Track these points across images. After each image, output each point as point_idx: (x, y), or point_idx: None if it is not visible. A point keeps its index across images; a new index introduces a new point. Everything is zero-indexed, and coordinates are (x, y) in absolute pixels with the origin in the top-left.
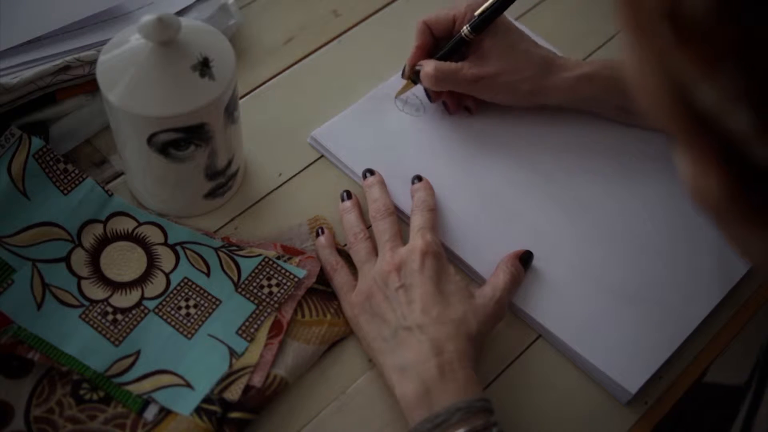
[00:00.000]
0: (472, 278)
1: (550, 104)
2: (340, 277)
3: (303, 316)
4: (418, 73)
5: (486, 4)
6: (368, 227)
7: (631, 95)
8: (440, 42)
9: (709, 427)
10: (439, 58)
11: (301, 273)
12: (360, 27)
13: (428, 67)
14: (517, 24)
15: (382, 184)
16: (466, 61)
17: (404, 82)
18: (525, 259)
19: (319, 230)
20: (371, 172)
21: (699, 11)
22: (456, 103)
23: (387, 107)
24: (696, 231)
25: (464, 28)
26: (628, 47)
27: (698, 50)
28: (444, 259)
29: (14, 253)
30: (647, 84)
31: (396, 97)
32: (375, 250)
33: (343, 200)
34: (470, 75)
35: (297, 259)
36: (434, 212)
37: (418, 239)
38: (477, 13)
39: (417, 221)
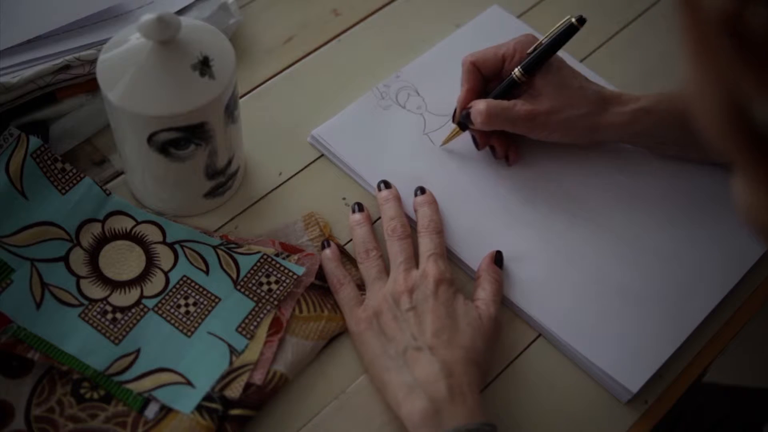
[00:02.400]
0: (472, 277)
1: (605, 140)
2: (346, 291)
3: (301, 311)
4: (467, 116)
5: (537, 44)
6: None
7: (688, 127)
8: (489, 83)
9: (709, 427)
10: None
11: (300, 270)
12: (360, 26)
13: (480, 104)
14: (567, 60)
15: (398, 199)
16: (518, 99)
17: (451, 126)
18: (499, 261)
19: (325, 243)
20: (387, 185)
21: (760, 27)
22: (504, 147)
23: (387, 106)
24: (697, 231)
25: (516, 70)
26: (687, 63)
27: (759, 67)
28: (456, 286)
29: (13, 253)
30: (706, 102)
31: (442, 145)
32: (386, 269)
33: (353, 212)
34: (524, 112)
35: (296, 257)
36: (443, 234)
37: (431, 266)
38: (528, 52)
39: (427, 246)
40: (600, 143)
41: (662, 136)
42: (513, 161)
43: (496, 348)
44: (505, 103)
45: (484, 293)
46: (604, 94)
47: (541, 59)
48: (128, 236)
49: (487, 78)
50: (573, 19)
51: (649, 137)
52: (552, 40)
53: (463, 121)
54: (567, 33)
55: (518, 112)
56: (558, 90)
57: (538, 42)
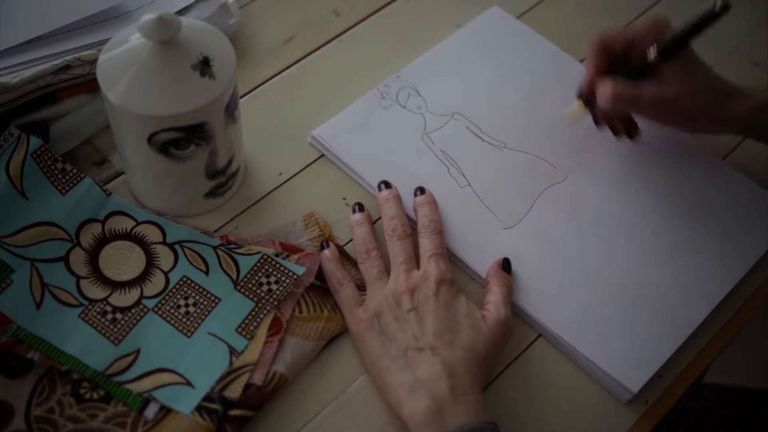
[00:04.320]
0: (472, 277)
1: (725, 132)
2: (346, 292)
3: (301, 311)
4: (592, 93)
5: (677, 29)
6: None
7: None
8: (614, 62)
9: (709, 427)
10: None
11: (299, 270)
12: (360, 26)
13: (608, 86)
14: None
15: (399, 199)
16: (644, 82)
17: (575, 103)
18: (507, 267)
19: (324, 243)
20: (387, 185)
21: None
22: (625, 128)
23: (387, 106)
24: (697, 231)
25: (651, 51)
26: None
27: None
28: (456, 286)
29: (13, 253)
30: None
31: (566, 122)
32: (387, 269)
33: (354, 212)
34: (652, 96)
35: (296, 257)
36: (443, 234)
37: (432, 266)
38: (666, 37)
39: (428, 246)
40: (719, 133)
41: None
42: (636, 138)
43: (503, 350)
44: (632, 85)
45: (494, 297)
46: (730, 86)
47: (680, 44)
48: (128, 236)
49: (613, 57)
50: (716, 8)
51: None
52: (692, 25)
53: (587, 98)
54: (709, 18)
55: (646, 96)
56: (685, 77)
57: (678, 27)
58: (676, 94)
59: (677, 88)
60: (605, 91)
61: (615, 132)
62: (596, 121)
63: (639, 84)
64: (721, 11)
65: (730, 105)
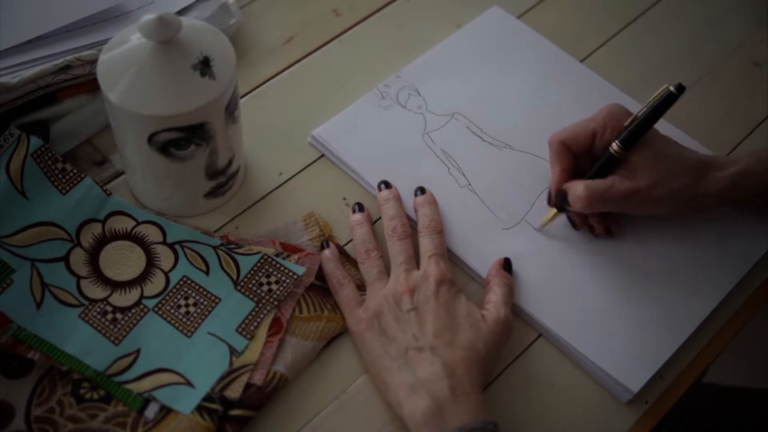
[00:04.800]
0: (473, 277)
1: (706, 208)
2: (346, 292)
3: (301, 311)
4: (564, 198)
5: (635, 115)
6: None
7: None
8: (580, 160)
9: (708, 427)
10: (588, 179)
11: (300, 270)
12: (360, 26)
13: (578, 189)
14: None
15: (399, 199)
16: (614, 176)
17: (547, 208)
18: (508, 266)
19: (324, 243)
20: (387, 185)
21: None
22: (602, 226)
23: (388, 106)
24: (697, 231)
25: (614, 144)
26: None
27: None
28: (457, 286)
29: (13, 253)
30: None
31: (540, 229)
32: (387, 269)
33: (354, 212)
34: (625, 191)
35: (296, 257)
36: (443, 234)
37: (432, 266)
38: (626, 125)
39: (428, 246)
40: (700, 212)
41: (766, 195)
42: (617, 233)
43: (503, 350)
44: (603, 183)
45: (495, 296)
46: (701, 160)
47: (640, 131)
48: (128, 236)
49: (576, 155)
50: (672, 88)
51: (753, 197)
52: (651, 111)
53: (560, 204)
54: (666, 102)
55: (619, 191)
56: (656, 162)
57: (635, 115)
58: (650, 182)
59: (649, 175)
60: (576, 194)
61: (593, 231)
62: (573, 225)
63: (609, 180)
64: (678, 92)
65: (708, 179)
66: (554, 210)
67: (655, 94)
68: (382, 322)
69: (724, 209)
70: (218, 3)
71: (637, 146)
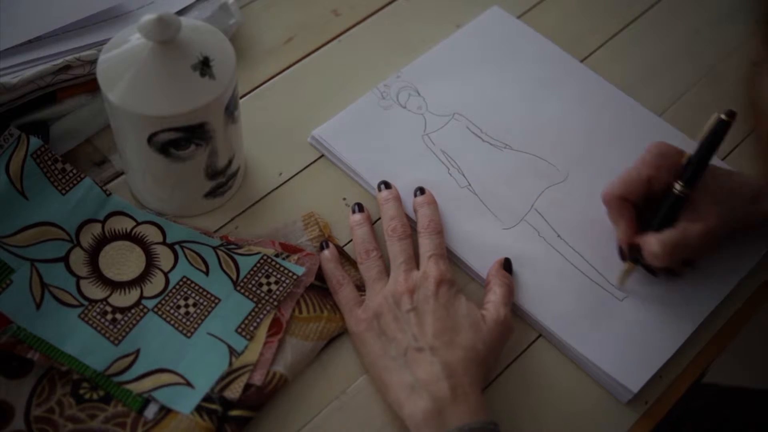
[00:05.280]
0: (472, 277)
1: (762, 230)
2: (346, 292)
3: (300, 312)
4: (638, 251)
5: (693, 151)
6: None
7: None
8: (639, 210)
9: (709, 428)
10: (657, 229)
11: (299, 270)
12: (360, 26)
13: (653, 245)
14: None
15: (398, 200)
16: (682, 221)
17: (625, 265)
18: (508, 266)
19: (324, 244)
20: (387, 185)
21: None
22: (680, 264)
23: (388, 106)
24: None
25: (676, 185)
26: None
27: None
28: (456, 286)
29: (13, 253)
30: None
31: (620, 285)
32: (387, 269)
33: (354, 212)
34: (698, 234)
35: (296, 257)
36: (443, 235)
37: (431, 266)
38: (683, 162)
39: (427, 246)
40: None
41: None
42: (697, 265)
43: (502, 350)
44: (675, 234)
45: (494, 296)
46: (753, 186)
47: (701, 167)
48: (128, 237)
49: (636, 204)
50: (722, 116)
51: None
52: (707, 144)
53: (635, 258)
54: (719, 132)
55: (692, 237)
56: (716, 196)
57: (690, 153)
58: (717, 220)
59: (715, 213)
60: (652, 250)
61: (677, 274)
62: (654, 273)
63: (680, 228)
64: (729, 119)
65: (761, 204)
66: (630, 264)
67: (707, 125)
68: (381, 323)
69: None
70: (218, 3)
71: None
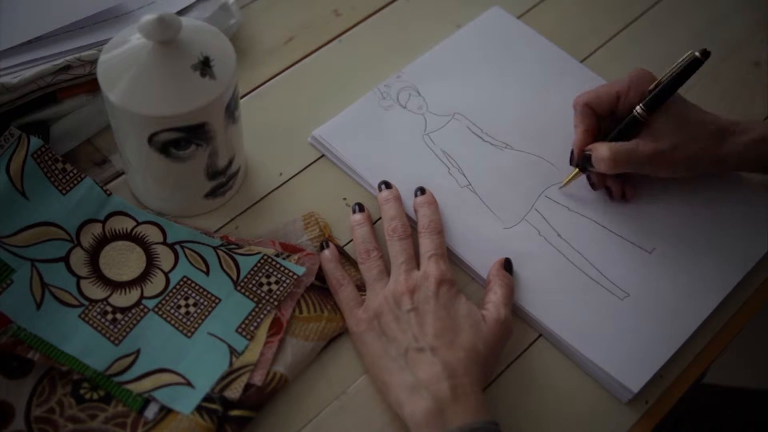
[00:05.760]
0: (473, 277)
1: (726, 170)
2: (346, 292)
3: (301, 312)
4: (587, 159)
5: (659, 80)
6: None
7: None
8: (602, 121)
9: (709, 428)
10: (612, 141)
11: (300, 270)
12: (361, 26)
13: (602, 151)
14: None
15: (399, 200)
16: (638, 139)
17: (572, 171)
18: (509, 267)
19: (324, 243)
20: (387, 185)
21: None
22: (620, 188)
23: (388, 106)
24: (697, 231)
25: (638, 107)
26: None
27: None
28: (456, 286)
29: (13, 253)
30: None
31: (562, 187)
32: (387, 269)
33: (354, 212)
34: (649, 152)
35: (296, 257)
36: (443, 235)
37: (432, 266)
38: (650, 89)
39: (427, 246)
40: (717, 173)
41: None
42: (630, 197)
43: (502, 350)
44: (627, 145)
45: (495, 296)
46: (722, 124)
47: (665, 95)
48: (129, 237)
49: (600, 116)
50: (696, 53)
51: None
52: (675, 76)
53: (583, 164)
54: (691, 67)
55: (642, 153)
56: (678, 126)
57: (659, 79)
58: (672, 145)
59: (672, 139)
60: (600, 155)
61: (611, 194)
62: (593, 185)
63: (632, 142)
64: (703, 57)
65: (727, 143)
66: (576, 170)
67: (680, 60)
68: (382, 323)
69: (739, 174)
70: (218, 3)
71: (660, 110)
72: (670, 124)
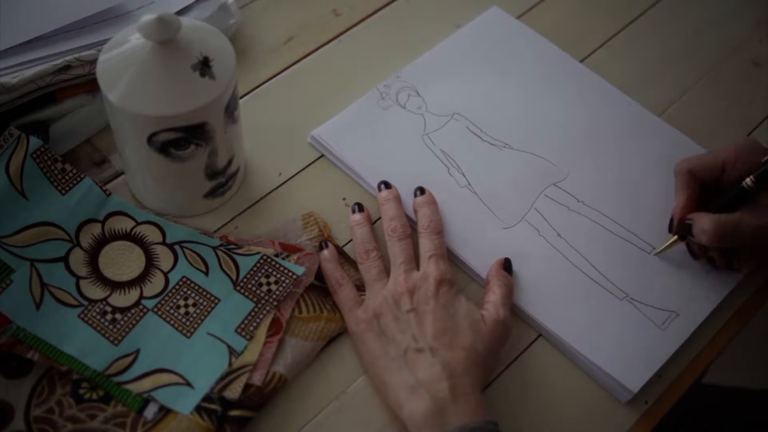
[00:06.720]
0: (472, 277)
1: None
2: (345, 292)
3: (300, 312)
4: (688, 228)
5: None
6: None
7: None
8: (704, 191)
9: (709, 428)
10: (715, 212)
11: (299, 270)
12: (360, 26)
13: (705, 222)
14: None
15: (398, 200)
16: (743, 212)
17: (670, 239)
18: (508, 267)
19: (323, 243)
20: (387, 185)
21: None
22: (724, 259)
23: (387, 106)
24: None
25: (747, 179)
26: None
27: None
28: (456, 287)
29: (12, 253)
30: None
31: (658, 253)
32: (387, 270)
33: (353, 212)
34: (754, 228)
35: (295, 257)
36: (443, 235)
37: (431, 267)
38: (763, 161)
39: (427, 246)
40: None
41: None
42: (740, 268)
43: (502, 350)
44: (731, 218)
45: (494, 296)
46: None
47: None
48: (128, 237)
49: (703, 185)
50: None
51: None
52: None
53: (683, 232)
54: None
55: (748, 228)
56: None
57: None
58: None
59: None
60: (703, 226)
61: (714, 264)
62: (693, 255)
63: (737, 215)
64: None
65: None
66: (675, 237)
67: None
68: (381, 323)
69: None
70: (218, 3)
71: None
72: None
